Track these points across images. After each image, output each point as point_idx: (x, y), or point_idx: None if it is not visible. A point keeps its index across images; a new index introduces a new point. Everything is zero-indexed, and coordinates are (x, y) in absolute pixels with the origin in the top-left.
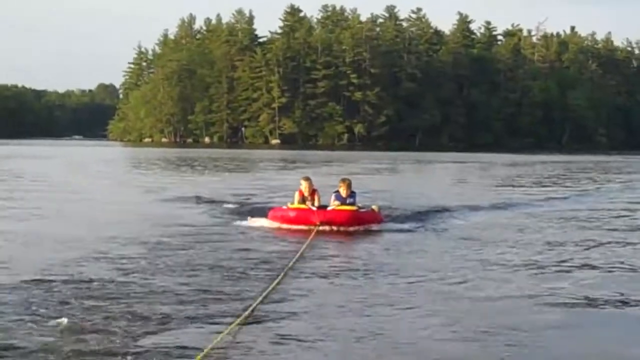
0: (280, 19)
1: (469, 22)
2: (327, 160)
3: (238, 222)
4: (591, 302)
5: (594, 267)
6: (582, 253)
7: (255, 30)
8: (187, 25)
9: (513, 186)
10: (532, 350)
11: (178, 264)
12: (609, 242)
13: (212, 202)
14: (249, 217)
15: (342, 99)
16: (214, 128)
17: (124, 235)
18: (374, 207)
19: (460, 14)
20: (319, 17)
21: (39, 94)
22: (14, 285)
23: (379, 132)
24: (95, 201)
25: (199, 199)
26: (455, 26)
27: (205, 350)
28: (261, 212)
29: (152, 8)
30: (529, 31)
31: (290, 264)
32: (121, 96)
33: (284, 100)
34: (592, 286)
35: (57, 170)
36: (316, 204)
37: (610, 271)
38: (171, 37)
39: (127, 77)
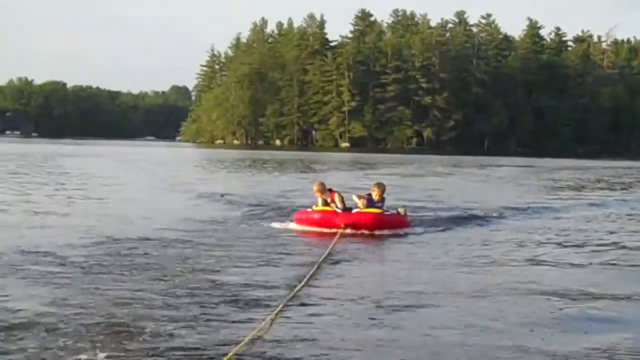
0: (351, 23)
1: (539, 27)
2: (394, 162)
3: (264, 224)
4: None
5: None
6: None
7: (326, 34)
8: (259, 29)
9: (562, 190)
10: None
11: (197, 264)
12: None
13: (248, 203)
14: (274, 221)
15: (412, 103)
16: (285, 131)
17: (140, 233)
18: (400, 210)
19: (530, 19)
20: (389, 21)
21: (113, 95)
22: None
23: (447, 136)
24: (129, 198)
25: (225, 198)
26: (524, 32)
27: (230, 354)
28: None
29: (226, 12)
30: (599, 37)
31: (314, 268)
32: (194, 98)
33: (353, 103)
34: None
35: (113, 168)
36: (340, 205)
37: None
38: (244, 40)
39: (200, 79)
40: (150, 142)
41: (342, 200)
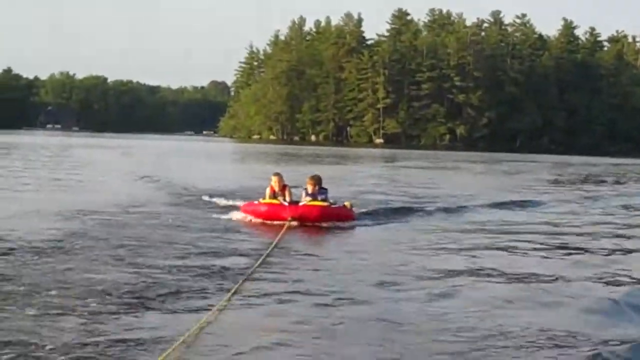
0: (387, 22)
1: (574, 27)
2: (424, 157)
3: (212, 215)
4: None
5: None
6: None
7: (363, 32)
8: (297, 26)
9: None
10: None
11: (126, 260)
12: None
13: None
14: (222, 212)
15: (445, 101)
16: (321, 127)
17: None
18: (346, 203)
19: (565, 19)
20: (426, 20)
21: (153, 90)
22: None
23: (480, 133)
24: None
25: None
26: (559, 31)
27: (175, 345)
28: None
29: (265, 10)
30: (634, 37)
31: (261, 259)
32: (232, 94)
33: (388, 101)
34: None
35: (115, 159)
36: (287, 199)
37: None
38: (282, 37)
39: (238, 75)
40: (188, 136)
41: (291, 194)
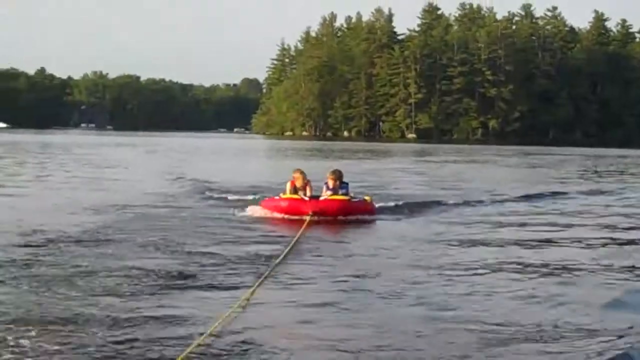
0: (418, 17)
1: (605, 20)
2: (455, 151)
3: (232, 211)
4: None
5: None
6: None
7: (394, 28)
8: (328, 23)
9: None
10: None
11: (161, 249)
12: None
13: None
14: (244, 208)
15: (477, 95)
16: (353, 122)
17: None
18: (366, 197)
19: (596, 11)
20: (456, 15)
21: (186, 88)
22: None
23: (512, 127)
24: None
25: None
26: (590, 24)
27: (195, 343)
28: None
29: (296, 6)
30: None
31: (284, 254)
32: (264, 91)
33: (420, 96)
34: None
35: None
36: (308, 194)
37: None
38: (313, 34)
39: (270, 72)
40: (221, 134)
41: (312, 189)
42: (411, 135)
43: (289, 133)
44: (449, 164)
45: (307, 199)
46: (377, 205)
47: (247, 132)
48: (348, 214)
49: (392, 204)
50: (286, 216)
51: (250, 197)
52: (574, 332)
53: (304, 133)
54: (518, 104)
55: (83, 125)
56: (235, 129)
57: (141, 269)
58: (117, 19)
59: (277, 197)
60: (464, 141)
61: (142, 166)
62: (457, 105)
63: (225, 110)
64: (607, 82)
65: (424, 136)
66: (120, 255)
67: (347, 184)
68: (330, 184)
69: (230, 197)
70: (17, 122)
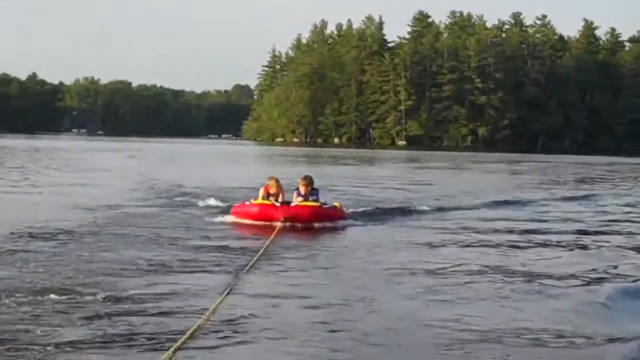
0: (408, 24)
1: (595, 28)
2: (441, 158)
3: (202, 218)
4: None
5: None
6: None
7: (384, 35)
8: (319, 30)
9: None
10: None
11: (127, 260)
12: None
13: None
14: (215, 214)
15: (467, 102)
16: (343, 129)
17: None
18: (336, 203)
19: (585, 20)
20: (447, 22)
21: (177, 94)
22: None
23: (502, 134)
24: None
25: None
26: (580, 32)
27: (167, 354)
28: None
29: (287, 13)
30: None
31: (254, 260)
32: (255, 97)
33: (410, 103)
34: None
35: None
36: (280, 200)
37: None
38: (304, 41)
39: (261, 79)
40: (211, 140)
41: (283, 196)
42: (401, 142)
43: (279, 139)
44: (432, 170)
45: (278, 204)
46: (347, 211)
47: (236, 138)
48: (319, 220)
49: (361, 209)
50: (257, 222)
51: (217, 202)
52: (556, 338)
53: (295, 139)
54: (507, 112)
55: (74, 130)
56: (224, 135)
57: (94, 281)
58: (109, 25)
59: (247, 203)
60: (453, 148)
61: (116, 170)
62: (446, 112)
63: (216, 116)
64: (596, 90)
65: (414, 143)
66: (81, 261)
67: (317, 190)
68: (302, 190)
69: (201, 202)
70: (9, 127)
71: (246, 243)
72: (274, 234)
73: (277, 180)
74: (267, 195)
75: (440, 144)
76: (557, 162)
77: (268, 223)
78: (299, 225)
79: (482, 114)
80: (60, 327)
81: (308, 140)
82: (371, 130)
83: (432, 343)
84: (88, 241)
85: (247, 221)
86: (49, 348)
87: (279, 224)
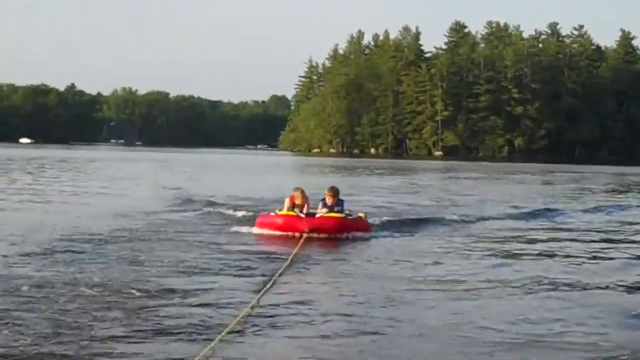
0: (445, 35)
1: (632, 38)
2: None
3: (227, 229)
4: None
5: None
6: None
7: (421, 46)
8: (356, 41)
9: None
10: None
11: (152, 272)
12: None
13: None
14: (238, 225)
15: (504, 113)
16: (380, 140)
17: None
18: (361, 214)
19: (623, 30)
20: (484, 33)
21: (215, 105)
22: None
23: (539, 145)
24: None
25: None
26: (617, 42)
27: (213, 344)
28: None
29: (324, 25)
30: None
31: (279, 272)
32: (293, 108)
33: (447, 114)
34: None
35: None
36: (305, 211)
37: None
38: (341, 52)
39: (298, 90)
40: (250, 151)
41: (309, 207)
42: (438, 153)
43: (316, 150)
44: (464, 180)
45: (303, 216)
46: (370, 222)
47: (273, 149)
48: (344, 231)
49: (386, 219)
50: (282, 233)
51: (244, 213)
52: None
53: (332, 150)
54: (544, 122)
55: (113, 141)
56: (259, 146)
57: (134, 282)
58: (147, 37)
59: (273, 214)
60: (490, 159)
61: (149, 180)
62: (483, 123)
63: (253, 127)
64: (633, 100)
65: (450, 154)
66: (103, 269)
67: (343, 201)
68: (329, 201)
69: (229, 212)
70: (48, 138)
71: (271, 255)
72: (299, 245)
73: (302, 191)
74: (293, 207)
75: (477, 154)
76: (592, 172)
77: (293, 234)
78: (325, 236)
79: (519, 125)
80: (110, 320)
81: (345, 151)
82: (408, 141)
83: (456, 350)
84: (122, 246)
85: (272, 232)
86: (96, 341)
87: (304, 235)
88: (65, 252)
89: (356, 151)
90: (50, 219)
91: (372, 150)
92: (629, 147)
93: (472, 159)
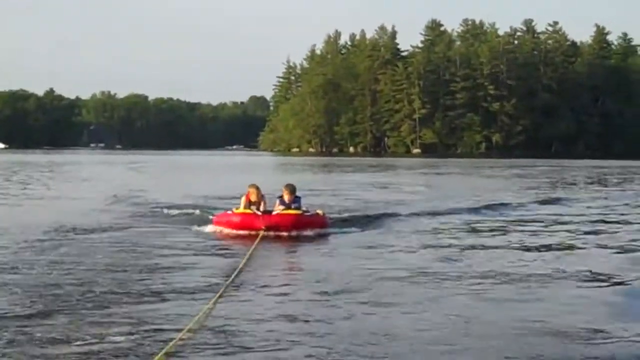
0: (421, 33)
1: (606, 33)
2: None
3: (183, 227)
4: None
5: None
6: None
7: (397, 44)
8: (332, 40)
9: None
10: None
11: (110, 269)
12: None
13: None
14: (195, 225)
15: (480, 109)
16: (358, 138)
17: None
18: (318, 211)
19: (597, 25)
20: (459, 30)
21: (193, 107)
22: None
23: (516, 140)
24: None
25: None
26: (591, 38)
27: (158, 356)
28: None
29: (302, 25)
30: None
31: (236, 271)
32: (271, 108)
33: (424, 111)
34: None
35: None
36: (262, 209)
37: None
38: (318, 52)
39: (276, 90)
40: (228, 151)
41: (266, 204)
42: (416, 150)
43: (295, 150)
44: (436, 176)
45: (259, 213)
46: (328, 218)
47: (250, 149)
48: (302, 228)
49: (345, 215)
50: (239, 232)
51: (202, 212)
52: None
53: (311, 149)
54: (521, 118)
55: (92, 145)
56: (235, 146)
57: (97, 285)
58: (123, 40)
59: (229, 212)
60: (468, 155)
61: (113, 181)
62: (460, 120)
63: (232, 128)
64: (608, 95)
65: (428, 151)
66: (69, 273)
67: (299, 197)
68: (286, 198)
69: (185, 212)
70: (27, 142)
71: (227, 253)
72: (255, 242)
73: (257, 188)
74: (249, 204)
75: (455, 151)
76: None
77: (250, 232)
78: (282, 233)
79: (495, 121)
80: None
81: (324, 150)
82: (386, 139)
83: (411, 349)
84: (65, 251)
85: (229, 230)
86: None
87: (261, 233)
88: None
89: (335, 150)
90: None
91: (351, 149)
92: (605, 141)
93: (449, 155)
